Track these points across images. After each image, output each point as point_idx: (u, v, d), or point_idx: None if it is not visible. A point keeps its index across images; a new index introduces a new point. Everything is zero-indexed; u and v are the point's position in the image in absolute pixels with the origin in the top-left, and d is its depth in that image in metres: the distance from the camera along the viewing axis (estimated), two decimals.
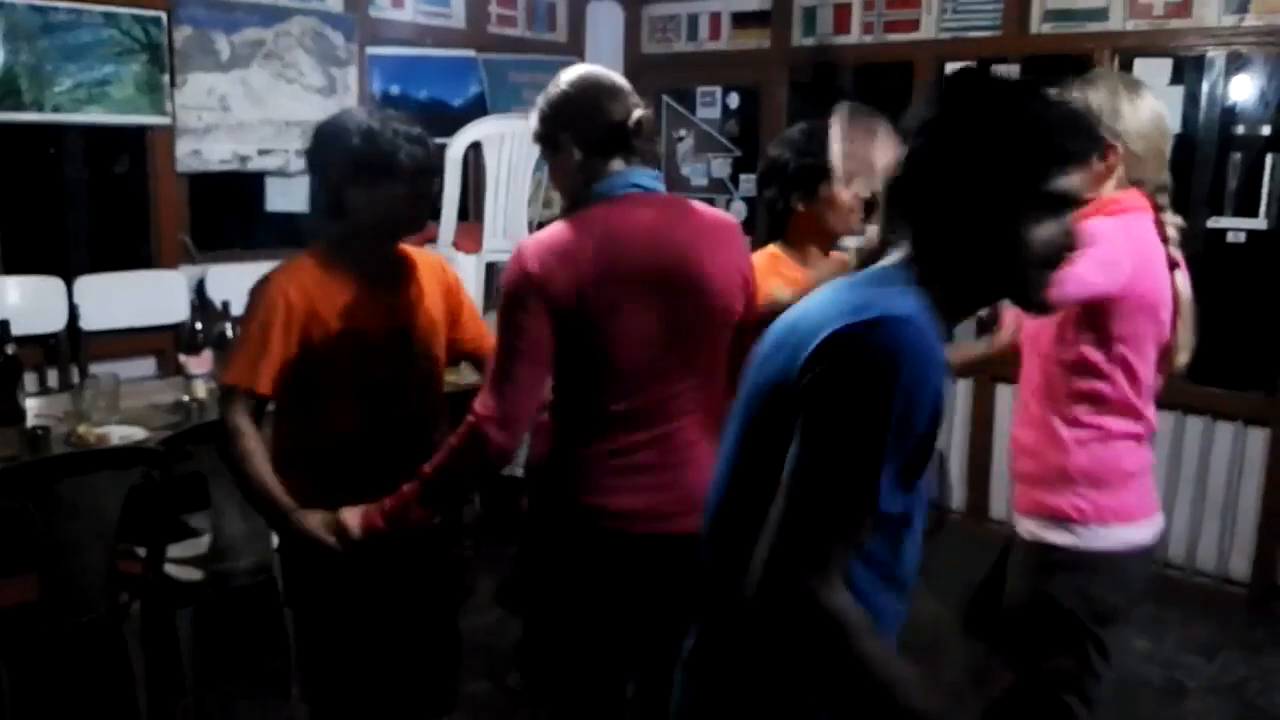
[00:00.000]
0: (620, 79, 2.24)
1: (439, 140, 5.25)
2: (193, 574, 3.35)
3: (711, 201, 6.31)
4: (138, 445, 3.20)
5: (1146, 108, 2.43)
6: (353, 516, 2.25)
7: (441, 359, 2.61)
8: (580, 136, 2.18)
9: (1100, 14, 4.85)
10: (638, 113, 2.19)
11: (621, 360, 2.13)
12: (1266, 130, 4.65)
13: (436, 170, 2.37)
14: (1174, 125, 4.67)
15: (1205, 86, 4.69)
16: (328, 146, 2.37)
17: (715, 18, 6.28)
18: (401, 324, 2.48)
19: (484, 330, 2.67)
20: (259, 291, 2.38)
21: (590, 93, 2.19)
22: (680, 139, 6.53)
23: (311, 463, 2.43)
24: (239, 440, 2.36)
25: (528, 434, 2.26)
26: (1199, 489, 4.74)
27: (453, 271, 2.71)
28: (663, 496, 2.19)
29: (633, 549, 2.20)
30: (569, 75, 2.24)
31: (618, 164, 2.20)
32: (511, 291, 2.12)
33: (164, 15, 4.71)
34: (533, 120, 2.27)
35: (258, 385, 2.36)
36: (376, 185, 2.33)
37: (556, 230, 2.15)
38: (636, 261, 2.13)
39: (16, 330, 3.37)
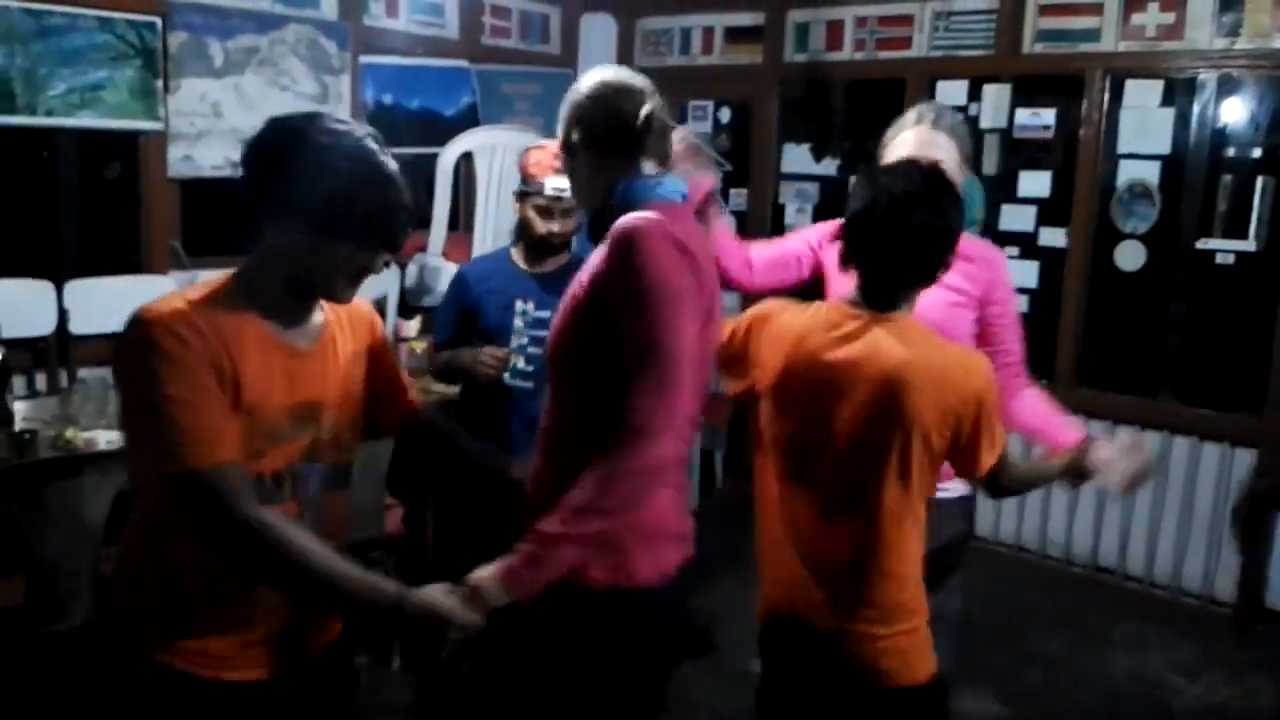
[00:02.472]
0: (637, 78, 2.05)
1: (431, 150, 5.31)
2: None
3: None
4: (124, 449, 3.19)
5: None
6: (487, 577, 1.75)
7: (353, 449, 2.00)
8: (588, 135, 1.99)
9: (1092, 35, 4.87)
10: (647, 108, 1.98)
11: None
12: (1257, 152, 4.68)
13: (402, 242, 1.85)
14: (1164, 147, 4.73)
15: (1196, 108, 4.72)
16: (287, 162, 1.74)
17: (708, 32, 6.31)
18: (312, 400, 1.85)
19: (410, 406, 2.15)
20: (153, 335, 1.68)
21: (600, 90, 2.01)
22: None
23: (174, 579, 1.76)
24: (271, 533, 1.65)
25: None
26: (1185, 509, 4.75)
27: (381, 326, 2.10)
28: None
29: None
30: (586, 77, 2.06)
31: (648, 166, 1.99)
32: (674, 282, 1.84)
33: (158, 21, 4.70)
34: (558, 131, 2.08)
35: (228, 453, 1.67)
36: (326, 241, 1.75)
37: (663, 221, 1.88)
38: (706, 274, 1.94)
39: (6, 333, 3.37)
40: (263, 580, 1.72)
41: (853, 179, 2.26)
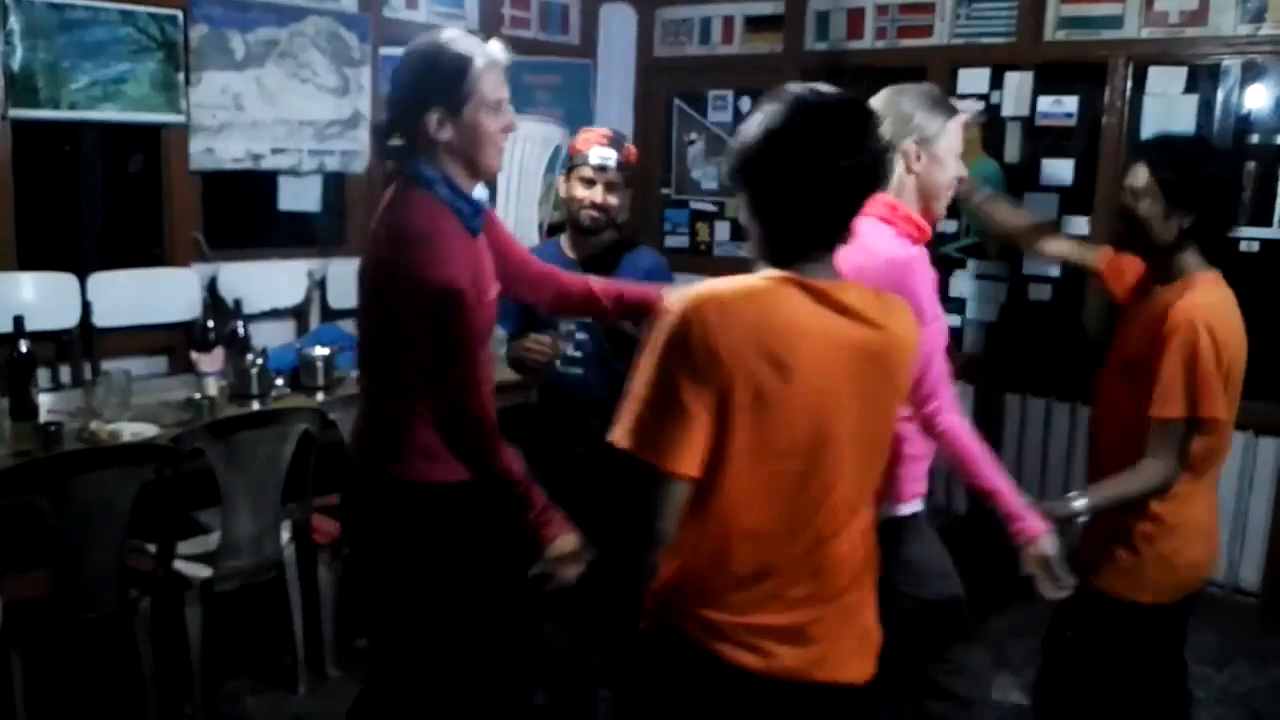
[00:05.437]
0: None
1: None
2: (202, 570, 3.37)
3: (721, 206, 6.37)
4: (149, 442, 3.22)
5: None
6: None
7: None
8: None
9: (1115, 21, 4.84)
10: None
11: None
12: None
13: None
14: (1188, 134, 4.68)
15: (1220, 95, 4.67)
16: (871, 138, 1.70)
17: (728, 21, 6.28)
18: None
19: None
20: None
21: None
22: (691, 142, 6.53)
23: None
24: None
25: None
26: None
27: None
28: None
29: None
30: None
31: None
32: None
33: (180, 13, 4.72)
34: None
35: None
36: None
37: None
38: None
39: (30, 326, 3.39)
40: None
41: None
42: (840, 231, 1.70)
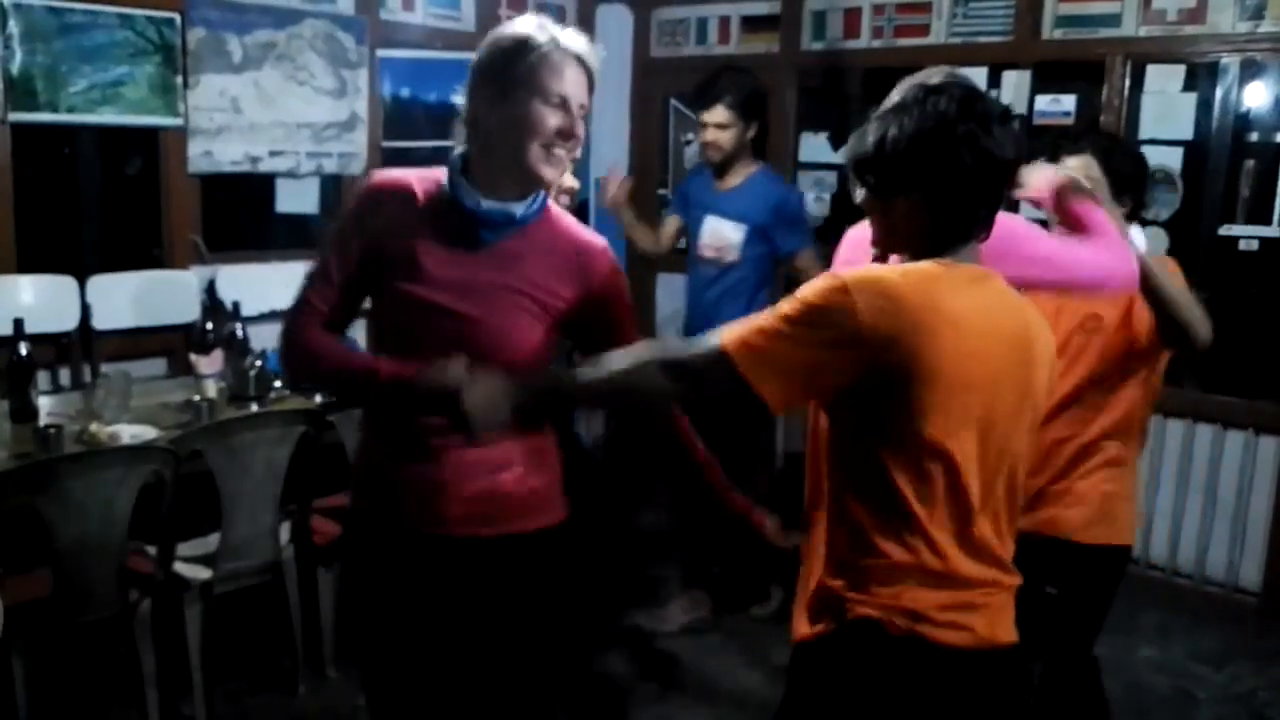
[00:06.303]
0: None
1: (448, 143, 5.30)
2: (201, 572, 3.37)
3: None
4: (148, 444, 3.22)
5: None
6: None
7: None
8: None
9: (1113, 20, 4.84)
10: None
11: None
12: None
13: None
14: (1186, 132, 4.68)
15: (1219, 93, 4.67)
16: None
17: (724, 21, 6.28)
18: None
19: None
20: None
21: None
22: (688, 142, 6.52)
23: None
24: None
25: None
26: (1209, 497, 4.72)
27: None
28: None
29: None
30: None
31: None
32: None
33: (177, 17, 4.72)
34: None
35: None
36: None
37: None
38: None
39: (30, 329, 3.39)
40: None
41: None
42: (990, 222, 1.82)
